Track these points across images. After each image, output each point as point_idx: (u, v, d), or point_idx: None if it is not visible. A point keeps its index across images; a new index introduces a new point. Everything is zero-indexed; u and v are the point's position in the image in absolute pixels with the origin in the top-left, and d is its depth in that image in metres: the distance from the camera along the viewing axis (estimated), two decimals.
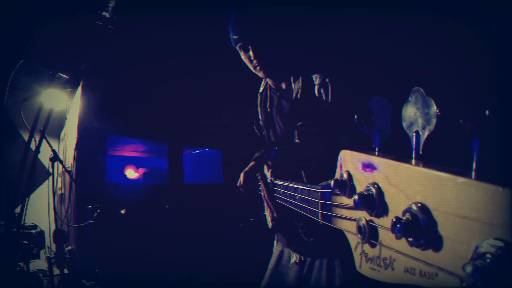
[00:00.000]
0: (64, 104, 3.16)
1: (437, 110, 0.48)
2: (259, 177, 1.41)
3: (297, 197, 1.03)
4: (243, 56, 1.48)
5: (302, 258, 1.46)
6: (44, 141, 2.79)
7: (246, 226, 1.75)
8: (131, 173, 4.43)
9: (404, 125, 0.54)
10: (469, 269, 0.36)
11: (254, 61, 1.43)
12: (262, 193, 1.40)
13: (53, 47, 2.91)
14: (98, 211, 2.79)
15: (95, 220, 2.79)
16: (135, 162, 4.54)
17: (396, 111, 0.57)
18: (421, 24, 1.71)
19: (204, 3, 2.62)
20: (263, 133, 1.69)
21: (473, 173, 0.42)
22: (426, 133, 0.50)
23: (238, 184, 1.75)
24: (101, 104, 3.32)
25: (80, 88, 3.36)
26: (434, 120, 0.49)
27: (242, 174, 1.74)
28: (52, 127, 3.66)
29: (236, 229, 1.81)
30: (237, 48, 1.46)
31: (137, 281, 2.83)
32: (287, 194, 1.15)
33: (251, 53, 1.41)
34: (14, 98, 2.76)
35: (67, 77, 2.45)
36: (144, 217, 3.21)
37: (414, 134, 0.52)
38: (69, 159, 3.61)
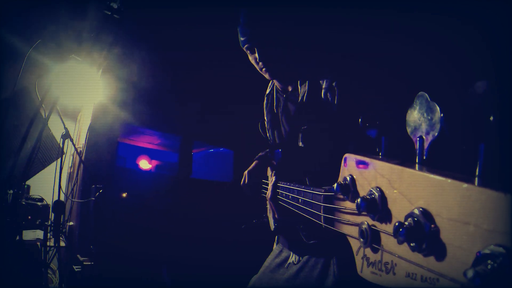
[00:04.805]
0: (83, 85, 3.21)
1: (441, 115, 0.48)
2: (262, 179, 1.41)
3: (300, 200, 1.03)
4: (250, 57, 1.49)
5: (301, 259, 1.45)
6: (59, 120, 2.83)
7: (249, 227, 1.75)
8: (145, 164, 4.51)
9: (408, 130, 0.54)
10: (470, 275, 0.36)
11: (260, 63, 1.44)
12: (265, 195, 1.39)
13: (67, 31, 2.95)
14: (101, 190, 2.88)
15: (96, 198, 2.87)
16: (150, 154, 4.59)
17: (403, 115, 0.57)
18: (435, 27, 1.69)
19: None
20: (268, 134, 1.70)
21: (477, 179, 0.41)
22: (430, 139, 0.50)
23: (242, 183, 1.74)
24: (118, 91, 3.36)
25: (100, 71, 3.39)
26: (438, 126, 0.49)
27: (245, 173, 1.74)
28: (71, 109, 3.79)
29: (238, 230, 1.81)
30: (244, 49, 1.47)
31: (129, 262, 2.90)
32: (290, 197, 1.15)
33: (256, 54, 1.41)
34: (29, 74, 2.80)
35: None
36: (146, 203, 3.29)
37: (418, 139, 0.52)
38: (81, 140, 3.71)
